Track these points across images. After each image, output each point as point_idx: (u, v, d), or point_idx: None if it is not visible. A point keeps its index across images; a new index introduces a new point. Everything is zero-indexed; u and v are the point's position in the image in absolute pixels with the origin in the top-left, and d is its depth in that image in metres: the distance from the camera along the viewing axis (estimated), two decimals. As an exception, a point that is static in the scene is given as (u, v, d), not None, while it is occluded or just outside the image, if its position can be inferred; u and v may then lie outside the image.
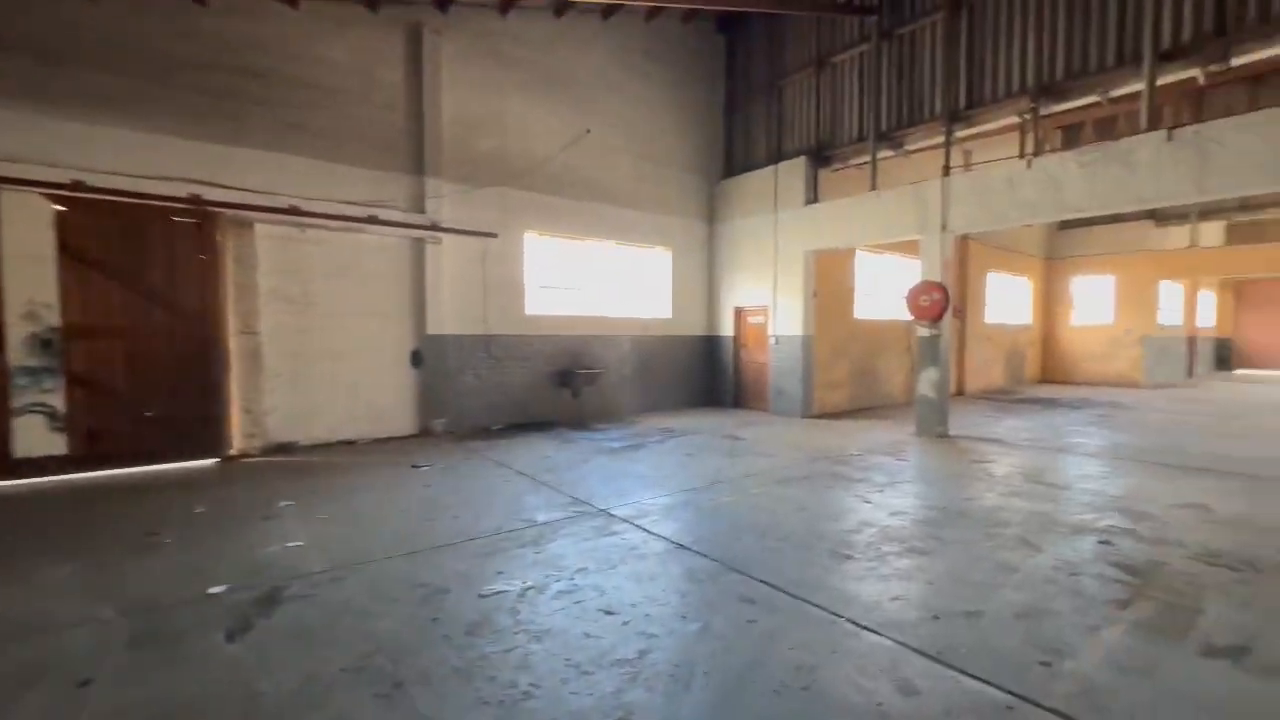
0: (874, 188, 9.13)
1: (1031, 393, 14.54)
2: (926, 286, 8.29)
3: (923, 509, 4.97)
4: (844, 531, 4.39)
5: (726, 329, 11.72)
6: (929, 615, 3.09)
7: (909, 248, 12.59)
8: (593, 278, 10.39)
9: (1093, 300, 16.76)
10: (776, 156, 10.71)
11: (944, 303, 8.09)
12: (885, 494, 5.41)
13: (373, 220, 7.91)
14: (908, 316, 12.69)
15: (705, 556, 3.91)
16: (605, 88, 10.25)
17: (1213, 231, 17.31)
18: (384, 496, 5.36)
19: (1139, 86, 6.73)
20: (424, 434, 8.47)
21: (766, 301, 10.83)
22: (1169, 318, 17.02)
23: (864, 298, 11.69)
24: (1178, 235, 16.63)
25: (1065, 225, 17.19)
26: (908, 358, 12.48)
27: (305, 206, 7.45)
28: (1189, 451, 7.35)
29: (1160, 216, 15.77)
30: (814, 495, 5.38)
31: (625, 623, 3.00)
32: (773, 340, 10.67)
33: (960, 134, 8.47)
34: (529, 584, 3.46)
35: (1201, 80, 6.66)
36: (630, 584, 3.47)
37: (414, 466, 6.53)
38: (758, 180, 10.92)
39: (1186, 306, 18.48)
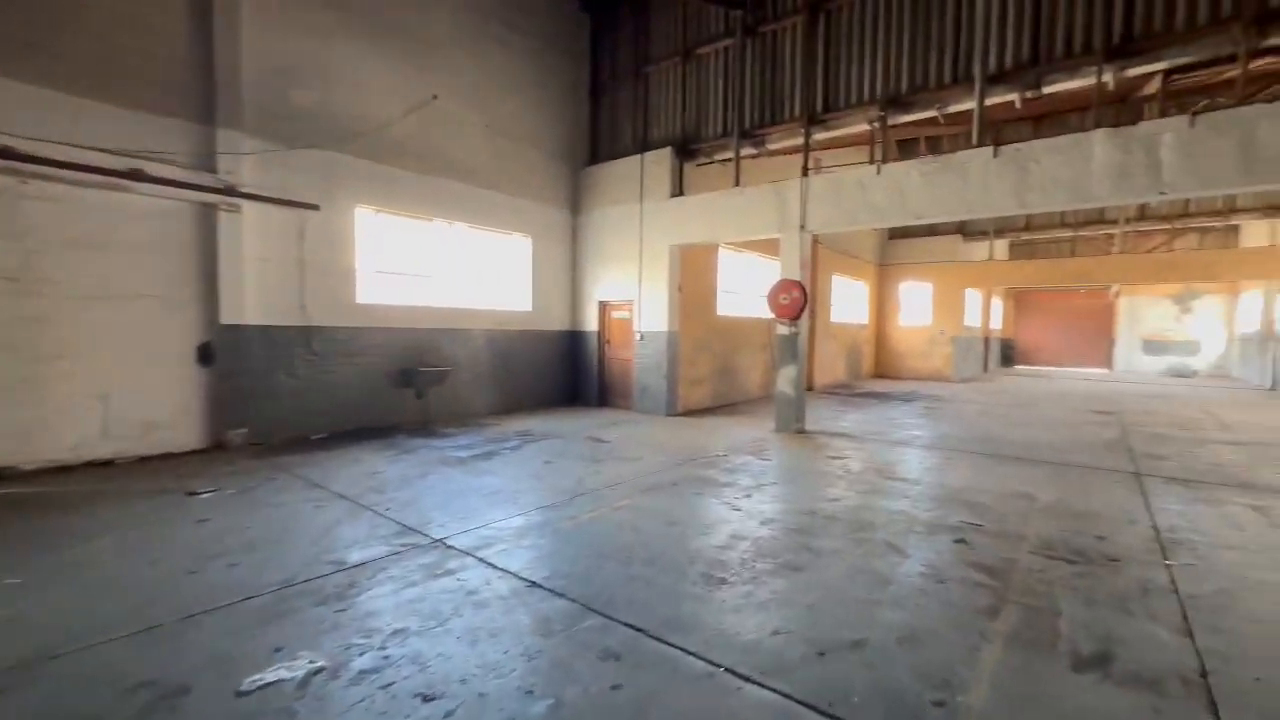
0: (738, 184, 9.08)
1: (868, 387, 15.85)
2: (786, 285, 8.38)
3: (792, 514, 4.77)
4: (716, 548, 4.00)
5: (591, 323, 11.15)
6: (814, 651, 2.73)
7: (768, 248, 12.96)
8: (442, 264, 9.23)
9: (916, 304, 18.78)
10: (643, 146, 10.33)
11: (802, 301, 8.23)
12: (754, 499, 5.17)
13: (138, 176, 6.14)
14: (766, 314, 13.15)
15: (561, 596, 3.26)
16: (460, 52, 9.12)
17: (1002, 247, 20.27)
18: (133, 540, 3.99)
19: (970, 105, 7.26)
20: (217, 448, 6.83)
21: (632, 296, 10.43)
22: (971, 320, 19.62)
23: (726, 295, 11.78)
24: (979, 249, 19.21)
25: (894, 235, 19.07)
26: (765, 355, 12.87)
27: (30, 150, 5.54)
28: (1001, 440, 8.18)
29: (967, 232, 18.07)
30: (682, 505, 4.97)
31: (449, 714, 2.25)
32: (638, 336, 10.31)
33: (818, 137, 8.67)
34: (317, 664, 2.56)
35: (1019, 104, 7.33)
36: (463, 648, 2.71)
37: (190, 494, 5.08)
38: (624, 169, 10.47)
39: (983, 311, 21.51)
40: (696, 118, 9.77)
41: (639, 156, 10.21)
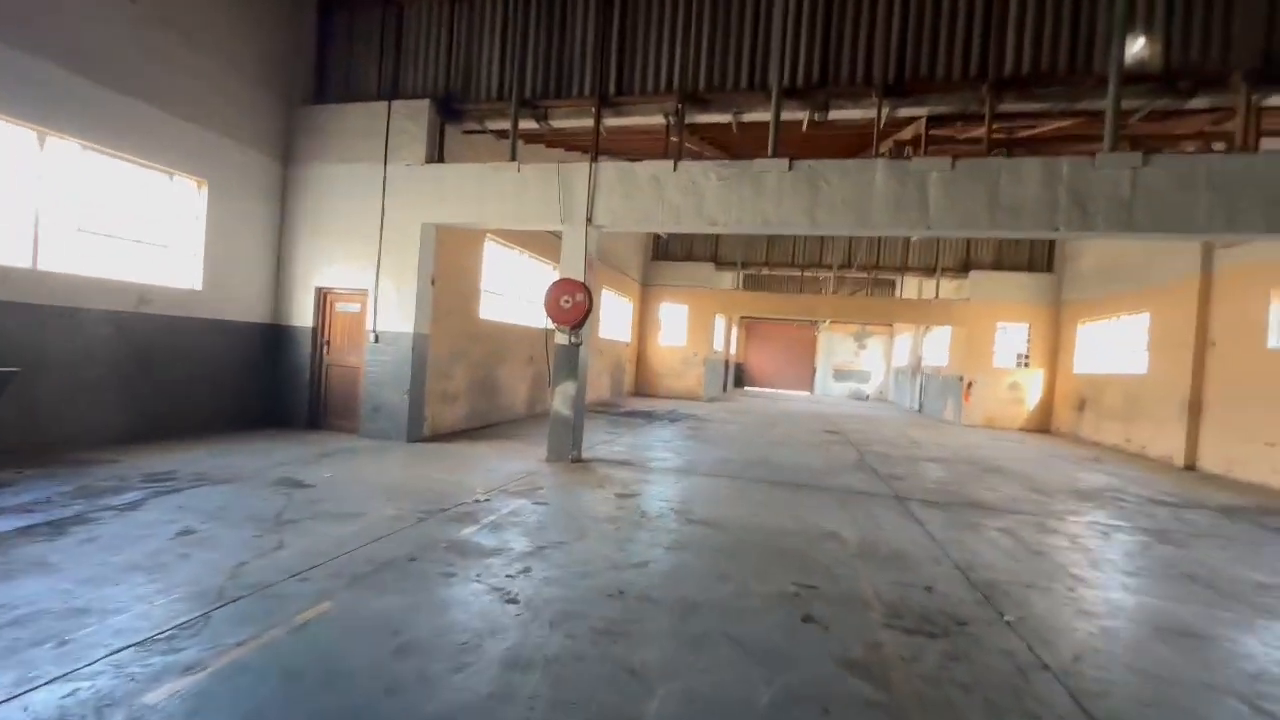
0: (514, 159, 7.47)
1: (631, 405, 15.52)
2: (568, 286, 7.03)
3: (593, 599, 3.29)
4: (485, 700, 2.28)
5: (303, 317, 8.24)
6: None
7: (541, 248, 11.55)
8: (25, 198, 5.58)
9: (673, 325, 19.40)
10: (392, 91, 8.00)
11: (587, 306, 6.96)
12: (535, 575, 3.56)
13: None
14: (535, 322, 11.70)
15: None
16: None
17: (742, 279, 22.38)
18: None
19: (767, 116, 6.94)
20: None
21: (366, 285, 7.93)
22: (717, 344, 21.15)
23: (490, 296, 9.97)
24: (727, 278, 20.86)
25: (657, 256, 19.52)
26: (532, 368, 11.36)
27: None
28: (774, 464, 8.04)
29: (719, 260, 19.38)
30: (423, 602, 3.11)
31: None
32: (372, 337, 7.84)
33: (610, 123, 7.59)
34: None
35: (805, 127, 7.28)
36: None
37: None
38: (362, 118, 7.98)
39: (725, 336, 23.53)
40: (465, 71, 7.89)
41: (385, 104, 7.86)
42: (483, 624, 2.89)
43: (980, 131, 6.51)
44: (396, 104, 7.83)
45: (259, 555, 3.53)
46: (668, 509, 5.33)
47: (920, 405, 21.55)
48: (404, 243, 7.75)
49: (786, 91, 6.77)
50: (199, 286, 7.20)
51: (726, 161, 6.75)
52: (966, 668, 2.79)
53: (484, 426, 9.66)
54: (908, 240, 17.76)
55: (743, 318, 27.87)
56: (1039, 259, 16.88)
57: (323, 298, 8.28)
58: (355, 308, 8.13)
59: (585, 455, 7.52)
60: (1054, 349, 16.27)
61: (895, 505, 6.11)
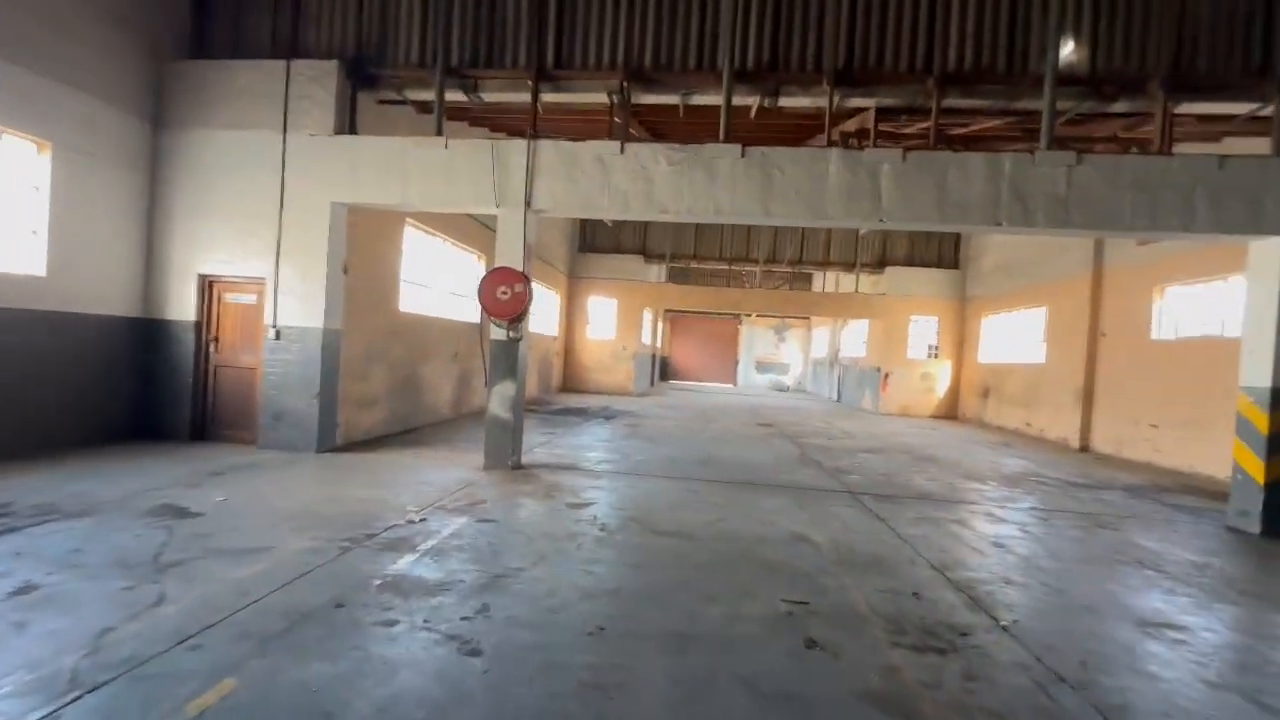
0: (440, 133, 6.69)
1: (562, 402, 14.92)
2: (506, 276, 6.39)
3: (570, 641, 2.80)
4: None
5: (183, 310, 7.02)
6: None
7: (466, 235, 10.71)
8: None
9: (602, 319, 18.92)
10: (291, 49, 6.94)
11: (527, 297, 6.36)
12: (493, 618, 3.00)
13: None
14: (458, 315, 10.83)
15: None
16: None
17: (666, 272, 22.24)
18: None
19: (716, 99, 6.62)
20: None
21: (263, 273, 6.86)
22: (645, 338, 20.91)
23: (411, 287, 9.05)
24: (656, 271, 20.63)
25: (584, 248, 18.94)
26: (457, 365, 10.50)
27: None
28: (722, 461, 7.82)
29: (648, 253, 19.10)
30: (355, 668, 2.48)
31: None
32: (272, 333, 6.80)
33: (549, 99, 6.99)
34: None
35: (754, 114, 7.04)
36: None
37: None
38: (255, 77, 6.86)
39: (653, 330, 23.36)
40: (381, 32, 6.97)
41: (284, 64, 6.80)
42: (442, 689, 2.33)
43: (924, 125, 6.55)
44: (298, 64, 6.79)
45: (131, 616, 2.74)
46: (628, 519, 4.89)
47: (839, 395, 22.46)
48: (310, 225, 6.76)
49: (737, 74, 6.48)
50: (42, 272, 5.87)
51: (677, 145, 6.36)
52: (989, 690, 2.58)
53: (407, 431, 8.76)
54: (829, 235, 18.31)
55: (667, 311, 27.85)
56: (947, 256, 17.94)
57: (208, 287, 7.08)
58: (250, 299, 7.02)
59: (525, 460, 6.92)
60: (960, 341, 17.37)
61: (851, 502, 6.03)
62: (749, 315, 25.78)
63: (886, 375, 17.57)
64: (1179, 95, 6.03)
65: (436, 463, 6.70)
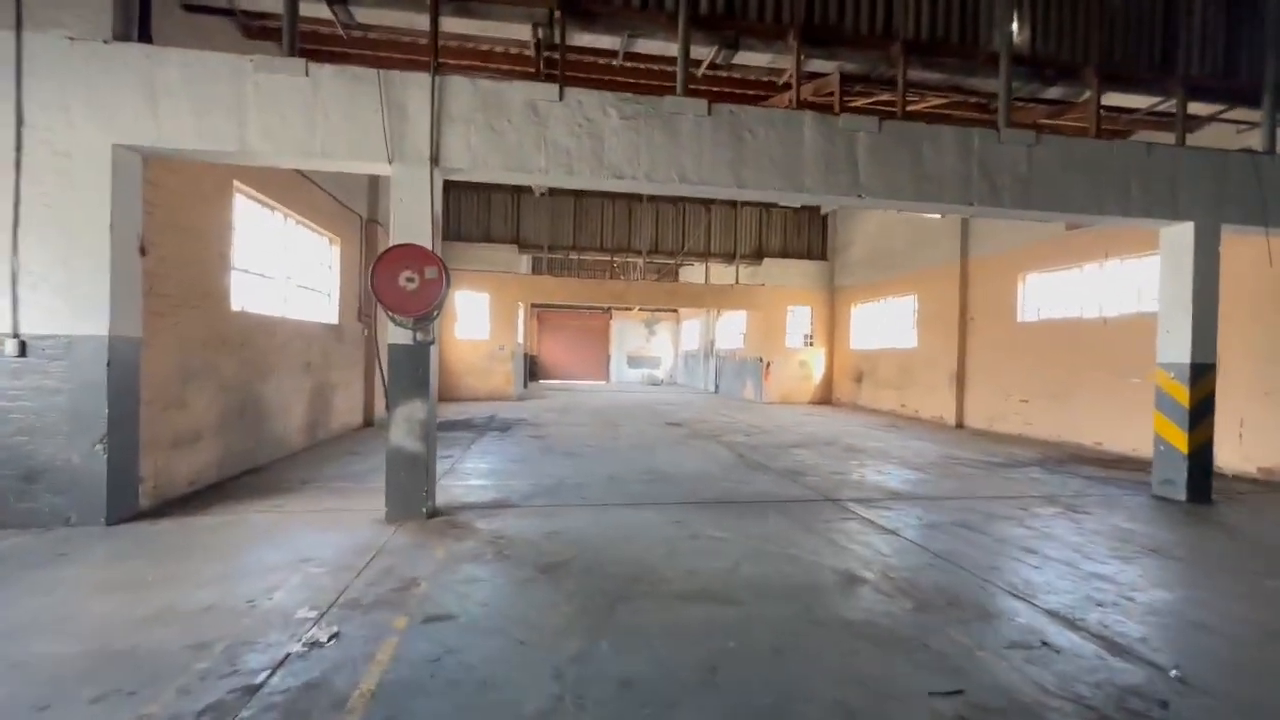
0: (295, 53, 4.74)
1: (439, 413, 12.78)
2: (411, 257, 4.68)
3: None
4: None
5: None
6: None
7: (320, 214, 8.39)
8: None
9: (473, 316, 16.82)
10: (25, -99, 4.44)
11: (441, 286, 4.70)
12: None
13: None
14: (311, 315, 8.45)
15: None
16: None
17: (530, 263, 20.61)
18: None
19: (666, 48, 5.52)
20: None
21: (-11, 250, 4.34)
22: (519, 336, 19.13)
23: (246, 278, 6.67)
24: (527, 262, 18.94)
25: (449, 237, 16.67)
26: (310, 378, 8.17)
27: None
28: (669, 475, 6.77)
29: (523, 243, 17.37)
30: None
31: None
32: (9, 347, 4.33)
33: (452, 25, 5.31)
34: None
35: (705, 66, 6.03)
36: None
37: None
38: (-45, -62, 4.28)
39: (526, 326, 21.57)
40: (188, -100, 4.76)
41: (12, -79, 4.32)
42: None
43: (882, 99, 6.07)
44: (39, -74, 4.36)
45: None
46: (630, 582, 3.61)
47: (716, 387, 22.67)
48: (78, 180, 4.39)
49: (692, 19, 5.41)
50: None
51: (630, 96, 5.13)
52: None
53: (251, 472, 6.43)
54: (709, 225, 18.14)
55: (533, 305, 26.11)
56: (816, 248, 18.72)
57: (-122, 276, 4.33)
58: (-34, 294, 4.41)
59: (440, 501, 5.25)
60: (832, 329, 18.23)
61: (841, 512, 5.34)
62: (630, 308, 25.10)
63: (768, 365, 17.88)
64: (1107, 84, 6.20)
65: (313, 519, 4.77)
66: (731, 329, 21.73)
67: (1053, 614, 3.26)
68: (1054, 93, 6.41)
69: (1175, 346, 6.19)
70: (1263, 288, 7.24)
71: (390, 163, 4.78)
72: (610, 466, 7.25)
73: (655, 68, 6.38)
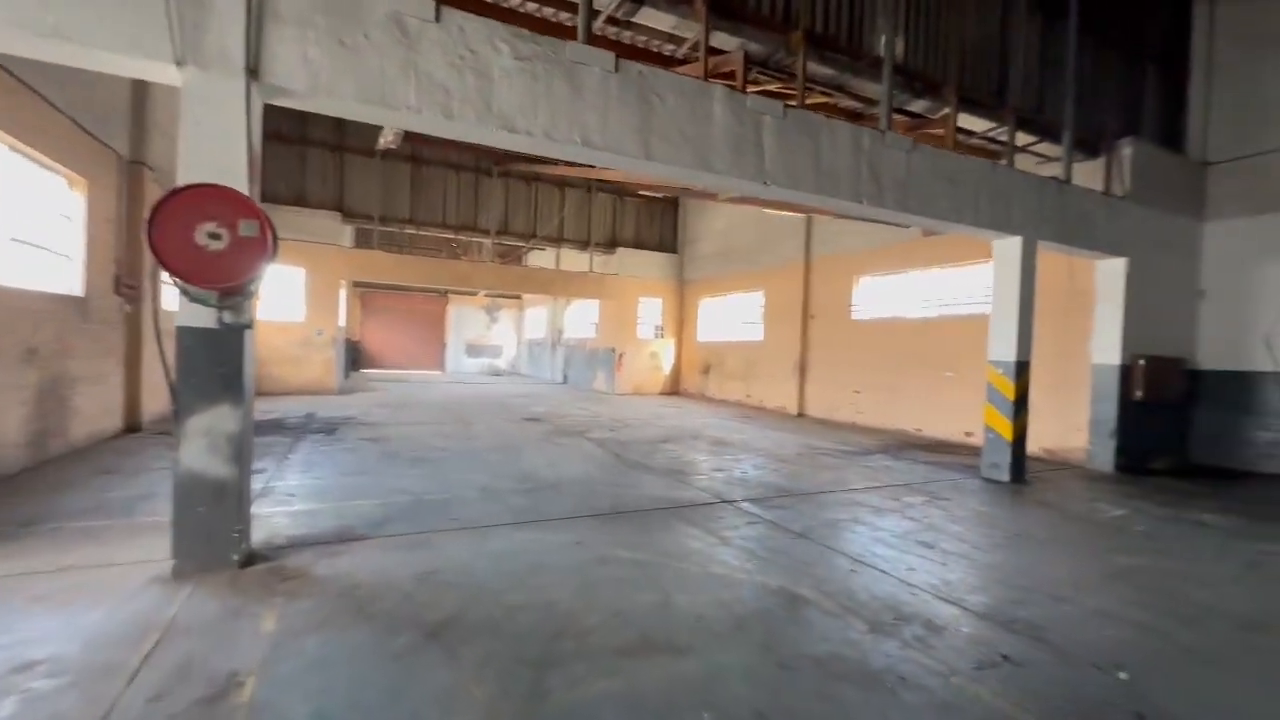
0: (9, -127, 3.06)
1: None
2: (217, 201, 3.29)
3: None
4: None
5: None
6: None
7: (52, 140, 6.06)
8: None
9: (283, 293, 14.03)
10: None
11: (265, 248, 3.40)
12: None
13: None
14: (34, 282, 6.02)
15: None
16: None
17: (351, 235, 18.00)
18: None
19: (564, -18, 4.69)
20: None
21: None
22: (340, 319, 16.55)
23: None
24: (361, 235, 16.42)
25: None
26: (34, 370, 5.84)
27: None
28: (546, 482, 5.99)
29: (347, 211, 14.93)
30: None
31: None
32: None
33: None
34: None
35: (602, 20, 5.29)
36: None
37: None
38: None
39: (349, 308, 18.77)
40: None
41: None
42: None
43: (776, 87, 5.91)
44: None
45: None
46: (554, 638, 2.85)
47: (565, 377, 21.98)
48: None
49: (594, -43, 4.67)
50: None
51: (527, 33, 4.22)
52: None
53: (-83, 513, 4.28)
54: (562, 207, 17.32)
55: (357, 285, 22.95)
56: (667, 240, 18.93)
57: None
58: None
59: (257, 538, 3.90)
60: (681, 321, 18.60)
61: (739, 514, 5.08)
62: (472, 293, 23.14)
63: (621, 356, 17.68)
64: (960, 105, 6.73)
65: (44, 585, 3.17)
66: (582, 318, 21.18)
67: (985, 617, 3.22)
68: (920, 105, 6.82)
69: (1003, 346, 6.98)
70: (1056, 298, 8.57)
71: (179, 65, 3.32)
72: (476, 474, 6.24)
73: (553, 19, 5.50)
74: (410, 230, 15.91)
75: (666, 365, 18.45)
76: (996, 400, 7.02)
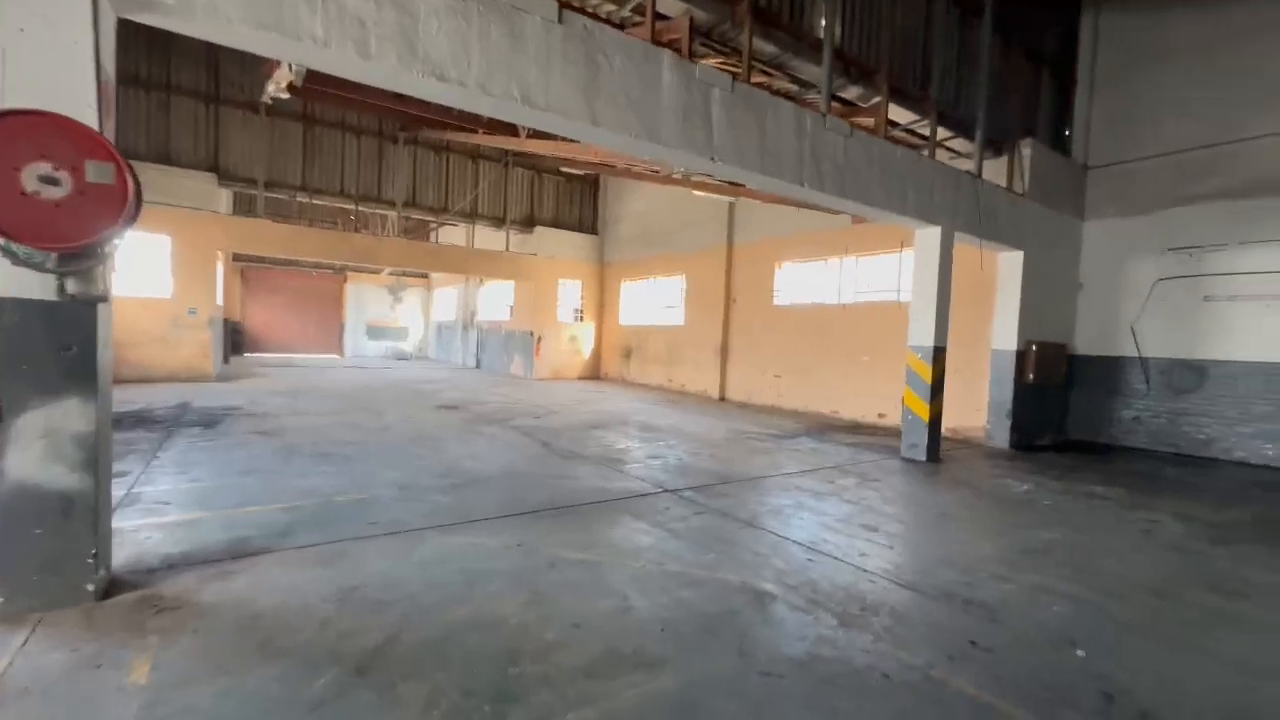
0: None
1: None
2: (52, 133, 2.54)
3: None
4: None
5: None
6: None
7: None
8: None
9: (147, 264, 12.12)
10: None
11: (125, 199, 2.68)
12: None
13: None
14: None
15: None
16: None
17: (227, 201, 16.02)
18: None
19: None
20: None
21: None
22: (220, 297, 14.67)
23: None
24: (228, 199, 14.54)
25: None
26: None
27: None
28: (474, 476, 5.51)
29: (224, 174, 13.14)
30: None
31: None
32: None
33: None
34: None
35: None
36: None
37: None
38: None
39: (228, 284, 16.70)
40: None
41: None
42: None
43: (718, 61, 5.68)
44: None
45: None
46: (509, 660, 2.48)
47: (479, 361, 20.98)
48: None
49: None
50: None
51: (458, -35, 3.67)
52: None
53: None
54: (477, 182, 16.32)
55: (237, 257, 20.52)
56: (587, 221, 18.43)
57: None
58: None
59: (119, 560, 3.17)
60: (601, 304, 18.25)
61: (684, 504, 4.91)
62: (377, 270, 21.37)
63: (539, 339, 17.08)
64: (891, 95, 6.85)
65: None
66: (497, 299, 20.22)
67: (942, 600, 3.24)
68: (853, 92, 6.86)
69: (922, 332, 7.29)
70: (962, 288, 9.08)
71: (-9, -48, 2.52)
72: (393, 470, 5.62)
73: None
74: (302, 198, 14.32)
75: (587, 349, 18.06)
76: (915, 384, 7.33)
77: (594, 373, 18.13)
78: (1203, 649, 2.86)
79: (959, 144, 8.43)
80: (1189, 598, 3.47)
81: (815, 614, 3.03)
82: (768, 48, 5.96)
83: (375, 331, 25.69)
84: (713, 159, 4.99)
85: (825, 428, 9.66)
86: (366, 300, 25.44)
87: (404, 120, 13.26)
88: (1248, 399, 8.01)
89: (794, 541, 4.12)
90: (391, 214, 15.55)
